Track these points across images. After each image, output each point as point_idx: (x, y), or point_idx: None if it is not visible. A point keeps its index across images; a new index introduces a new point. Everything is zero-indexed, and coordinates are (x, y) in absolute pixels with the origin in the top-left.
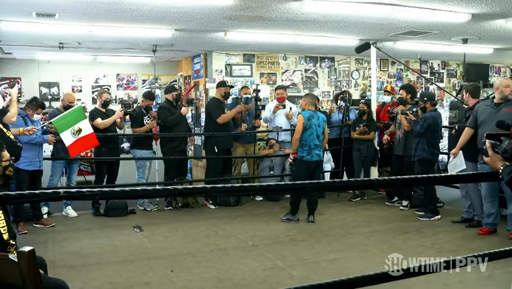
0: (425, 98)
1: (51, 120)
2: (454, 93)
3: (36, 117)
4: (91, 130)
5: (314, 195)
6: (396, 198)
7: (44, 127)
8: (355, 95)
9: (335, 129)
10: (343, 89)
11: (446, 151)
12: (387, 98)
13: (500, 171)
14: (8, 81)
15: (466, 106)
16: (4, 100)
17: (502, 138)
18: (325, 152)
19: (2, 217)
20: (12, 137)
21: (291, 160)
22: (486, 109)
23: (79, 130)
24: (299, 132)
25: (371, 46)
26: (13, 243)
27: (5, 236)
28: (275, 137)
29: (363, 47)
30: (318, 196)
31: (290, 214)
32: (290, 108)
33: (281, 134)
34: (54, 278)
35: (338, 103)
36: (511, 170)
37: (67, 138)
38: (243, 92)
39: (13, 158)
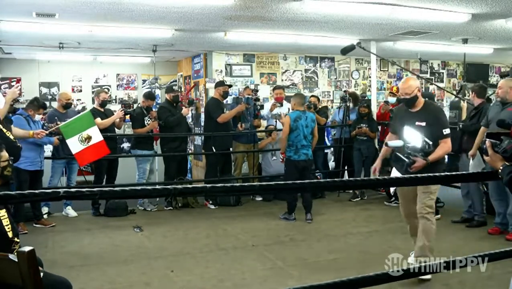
0: (427, 99)
1: (59, 126)
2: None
3: (37, 117)
4: (101, 138)
5: (307, 194)
6: (393, 199)
7: (47, 128)
8: None
9: (337, 129)
10: (343, 89)
11: None
12: (392, 99)
13: (500, 171)
14: (8, 81)
15: (471, 106)
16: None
17: (503, 137)
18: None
19: (6, 216)
20: (11, 137)
21: (281, 160)
22: (494, 108)
23: (88, 138)
24: (286, 133)
25: (356, 46)
26: (18, 241)
27: (10, 234)
28: (273, 124)
29: (349, 49)
30: (312, 195)
31: (287, 214)
32: (289, 109)
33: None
34: (56, 275)
35: (339, 103)
36: (510, 171)
37: (74, 145)
38: (246, 93)
39: (12, 158)
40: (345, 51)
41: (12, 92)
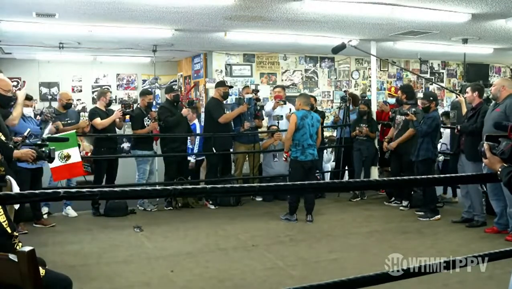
0: (431, 98)
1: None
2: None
3: (29, 110)
4: (79, 159)
5: (310, 195)
6: (393, 199)
7: (42, 119)
8: None
9: (337, 129)
10: (343, 89)
11: (447, 151)
12: (391, 100)
13: (499, 172)
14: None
15: (470, 106)
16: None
17: (500, 139)
18: (325, 151)
19: (2, 212)
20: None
21: (284, 159)
22: (489, 108)
23: (67, 156)
24: (291, 131)
25: (347, 45)
26: (17, 234)
27: (9, 230)
28: (274, 124)
29: (339, 48)
30: (314, 196)
31: (288, 214)
32: (290, 110)
33: (281, 123)
34: (57, 272)
35: (339, 103)
36: (509, 172)
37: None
38: (244, 92)
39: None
40: (336, 50)
41: (22, 94)
